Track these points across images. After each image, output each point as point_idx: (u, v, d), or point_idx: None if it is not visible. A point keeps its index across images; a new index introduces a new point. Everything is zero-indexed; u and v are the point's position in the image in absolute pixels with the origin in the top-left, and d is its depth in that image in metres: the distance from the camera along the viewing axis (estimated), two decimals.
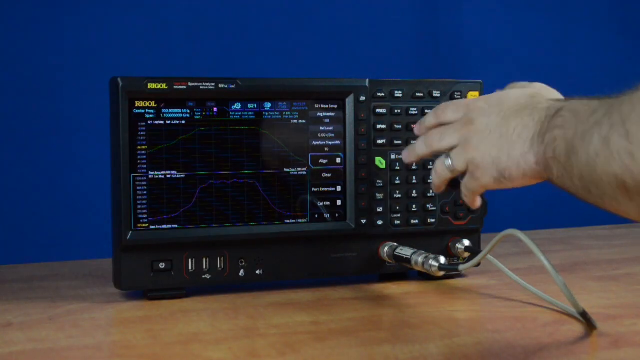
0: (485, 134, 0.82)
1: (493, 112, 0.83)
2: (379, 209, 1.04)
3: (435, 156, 0.89)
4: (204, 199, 0.97)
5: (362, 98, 1.03)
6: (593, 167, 0.66)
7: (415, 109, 1.05)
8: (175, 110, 0.96)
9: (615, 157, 0.63)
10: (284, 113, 1.01)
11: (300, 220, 1.01)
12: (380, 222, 1.04)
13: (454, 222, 1.07)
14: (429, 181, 0.97)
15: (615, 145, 0.63)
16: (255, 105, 0.99)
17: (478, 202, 0.90)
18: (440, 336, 0.80)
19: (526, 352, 0.74)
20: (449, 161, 0.86)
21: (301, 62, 1.63)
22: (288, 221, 1.01)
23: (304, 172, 1.02)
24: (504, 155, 0.79)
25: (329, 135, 1.02)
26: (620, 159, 0.63)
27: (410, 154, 0.93)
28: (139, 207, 0.95)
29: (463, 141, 0.85)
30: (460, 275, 1.09)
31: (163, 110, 0.96)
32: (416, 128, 0.94)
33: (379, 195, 1.04)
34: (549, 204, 1.77)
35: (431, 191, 1.06)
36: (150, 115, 0.95)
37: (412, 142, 0.97)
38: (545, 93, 0.84)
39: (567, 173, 0.70)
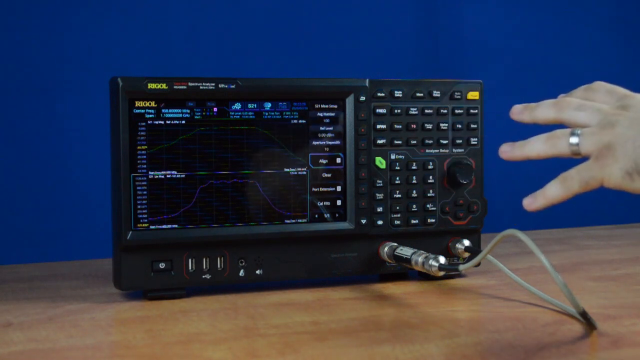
0: (638, 121, 0.71)
1: None
2: (379, 209, 1.04)
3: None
4: (204, 199, 0.97)
5: (362, 98, 1.03)
6: None
7: (415, 109, 1.05)
8: (175, 110, 0.96)
9: None
10: (284, 113, 1.01)
11: (300, 220, 1.01)
12: (380, 222, 1.04)
13: (454, 222, 1.07)
14: (529, 143, 0.79)
15: None
16: (255, 105, 0.99)
17: (556, 200, 0.76)
18: (440, 336, 0.80)
19: (526, 352, 0.74)
20: (576, 139, 0.74)
21: (301, 62, 1.62)
22: (288, 221, 1.01)
23: (304, 172, 1.02)
24: None
25: (329, 135, 1.02)
26: None
27: (527, 112, 0.81)
28: (139, 207, 0.95)
29: (606, 122, 0.73)
30: (460, 275, 1.09)
31: (163, 110, 0.96)
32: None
33: (379, 195, 1.04)
34: None
35: (431, 191, 1.06)
36: (150, 115, 0.95)
37: None
38: None
39: None
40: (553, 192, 0.76)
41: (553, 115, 0.78)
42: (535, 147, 0.77)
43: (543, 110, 0.79)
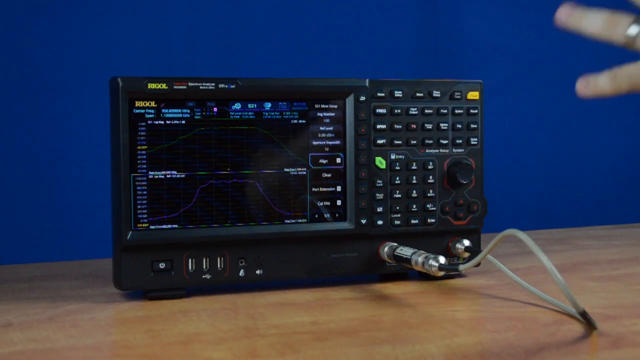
0: None
1: None
2: (379, 209, 1.04)
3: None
4: (204, 199, 0.97)
5: (362, 98, 1.03)
6: None
7: (415, 109, 1.05)
8: (175, 110, 0.96)
9: None
10: (284, 113, 1.01)
11: (300, 220, 1.01)
12: (380, 222, 1.04)
13: (454, 222, 1.07)
14: (587, 15, 0.73)
15: None
16: (255, 105, 0.99)
17: (604, 93, 0.72)
18: (440, 336, 0.80)
19: (526, 352, 0.74)
20: (636, 30, 0.70)
21: (301, 62, 1.62)
22: (288, 221, 1.01)
23: (304, 172, 1.02)
24: None
25: (329, 135, 1.02)
26: None
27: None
28: (139, 207, 0.95)
29: None
30: (460, 275, 1.09)
31: (163, 110, 0.96)
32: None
33: (379, 195, 1.04)
34: (549, 204, 1.77)
35: (431, 191, 1.06)
36: (150, 115, 0.95)
37: None
38: None
39: None
40: (602, 85, 0.72)
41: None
42: (592, 24, 0.72)
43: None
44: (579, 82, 0.73)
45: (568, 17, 0.73)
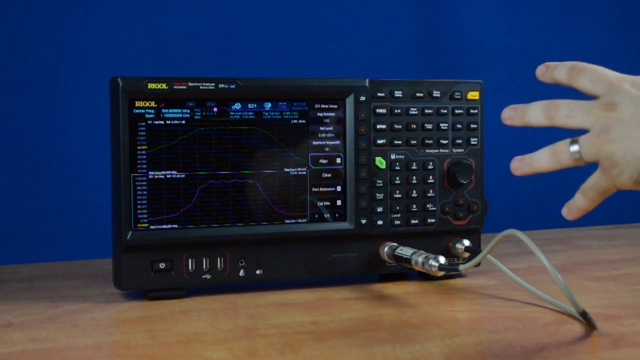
0: (629, 125, 0.70)
1: None
2: (379, 209, 1.04)
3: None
4: (204, 199, 0.97)
5: (362, 98, 1.03)
6: None
7: (415, 109, 1.05)
8: (175, 110, 0.96)
9: None
10: (284, 113, 1.01)
11: (300, 220, 1.01)
12: (380, 222, 1.04)
13: (454, 222, 1.07)
14: (535, 158, 0.78)
15: None
16: (255, 105, 0.99)
17: (586, 209, 0.77)
18: (440, 336, 0.80)
19: (526, 352, 0.74)
20: (577, 147, 0.73)
21: (301, 62, 1.63)
22: (288, 221, 1.01)
23: (304, 172, 1.02)
24: None
25: (329, 135, 1.02)
26: None
27: (517, 116, 0.79)
28: (139, 207, 0.95)
29: (599, 129, 0.72)
30: (460, 275, 1.09)
31: (163, 110, 0.96)
32: (539, 70, 0.80)
33: (379, 195, 1.04)
34: (549, 204, 1.77)
35: (431, 191, 1.06)
36: (150, 115, 0.95)
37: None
38: None
39: None
40: (580, 203, 0.76)
41: (545, 121, 0.77)
42: (543, 163, 0.77)
43: (534, 115, 0.77)
44: (563, 211, 0.78)
45: (522, 167, 0.78)
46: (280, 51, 1.61)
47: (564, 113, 0.75)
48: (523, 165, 0.78)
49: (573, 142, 0.74)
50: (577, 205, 0.77)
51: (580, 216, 0.77)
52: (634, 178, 0.70)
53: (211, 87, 0.97)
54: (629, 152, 0.70)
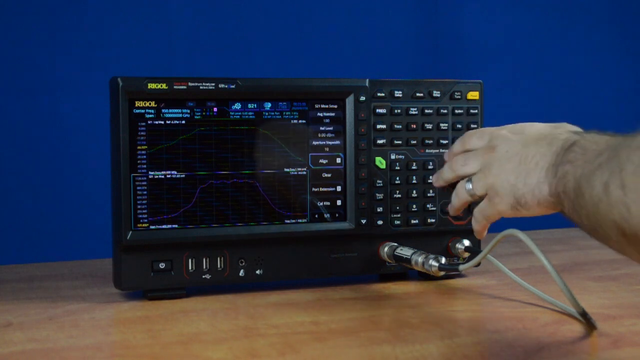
0: (505, 160, 0.83)
1: (515, 139, 0.84)
2: (379, 209, 1.04)
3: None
4: (204, 199, 0.97)
5: (362, 98, 1.03)
6: (596, 210, 0.65)
7: (415, 109, 1.05)
8: (175, 110, 0.96)
9: (613, 206, 0.62)
10: (284, 113, 1.01)
11: (300, 220, 1.01)
12: (380, 222, 1.04)
13: (454, 222, 1.07)
14: (449, 208, 0.98)
15: (612, 194, 0.62)
16: (255, 105, 0.99)
17: (485, 232, 0.93)
18: (440, 336, 0.80)
19: (526, 352, 0.74)
20: (470, 185, 0.88)
21: (301, 62, 1.62)
22: (288, 221, 1.01)
23: (304, 172, 1.02)
24: (521, 182, 0.80)
25: (329, 135, 1.02)
26: (617, 208, 0.62)
27: (438, 179, 0.97)
28: (139, 207, 0.95)
29: (484, 167, 0.86)
30: (460, 275, 1.09)
31: (163, 110, 0.96)
32: (445, 155, 0.98)
33: (379, 195, 1.04)
34: None
35: (431, 191, 1.06)
36: (150, 115, 0.95)
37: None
38: (570, 126, 0.83)
39: (575, 211, 0.70)
40: (474, 227, 0.93)
41: (452, 175, 0.93)
42: (453, 202, 0.94)
43: (446, 173, 0.94)
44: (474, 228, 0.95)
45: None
46: (280, 51, 1.61)
47: (460, 163, 0.91)
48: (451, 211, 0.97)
49: (468, 181, 0.89)
50: (474, 227, 0.93)
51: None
52: (511, 204, 0.82)
53: (211, 87, 0.97)
54: (506, 181, 0.82)
